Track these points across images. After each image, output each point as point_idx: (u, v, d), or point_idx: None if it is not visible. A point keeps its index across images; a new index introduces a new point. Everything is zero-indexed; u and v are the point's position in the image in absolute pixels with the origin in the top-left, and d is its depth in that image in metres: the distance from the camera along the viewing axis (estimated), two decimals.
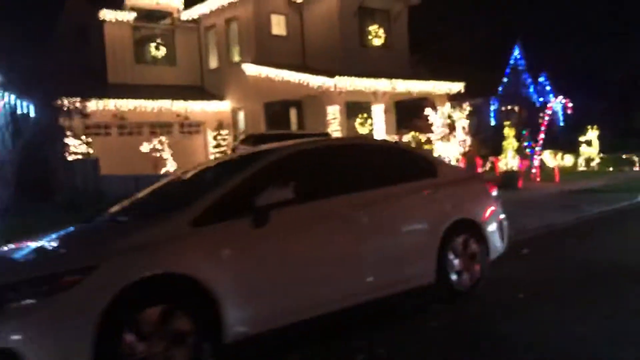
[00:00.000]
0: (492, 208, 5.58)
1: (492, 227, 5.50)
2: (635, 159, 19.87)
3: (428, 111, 17.42)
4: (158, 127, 23.05)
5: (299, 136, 18.17)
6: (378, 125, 21.46)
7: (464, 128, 23.27)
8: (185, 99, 23.21)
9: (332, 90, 19.41)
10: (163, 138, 21.43)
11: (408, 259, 4.85)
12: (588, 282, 5.79)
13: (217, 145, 23.67)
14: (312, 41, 23.36)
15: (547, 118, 17.89)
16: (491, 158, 19.21)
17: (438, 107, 23.36)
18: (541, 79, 33.00)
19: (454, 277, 5.15)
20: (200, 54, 25.36)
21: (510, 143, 19.66)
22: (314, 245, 4.36)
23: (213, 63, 24.93)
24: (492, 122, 28.55)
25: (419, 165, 5.44)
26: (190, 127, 24.07)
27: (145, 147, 20.69)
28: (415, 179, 5.20)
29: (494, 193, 5.73)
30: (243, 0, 22.47)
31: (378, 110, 21.31)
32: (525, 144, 21.64)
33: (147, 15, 24.19)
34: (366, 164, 5.08)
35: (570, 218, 10.12)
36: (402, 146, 5.61)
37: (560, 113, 36.43)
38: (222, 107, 24.26)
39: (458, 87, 23.29)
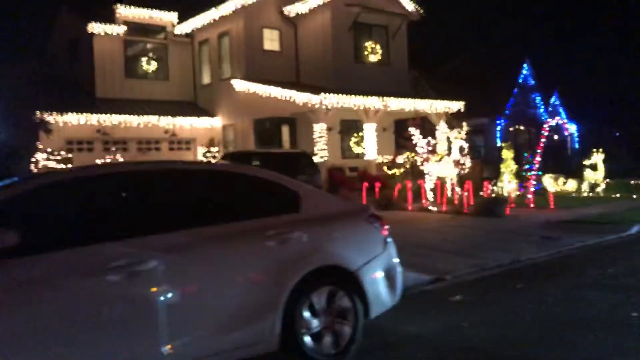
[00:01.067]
0: (378, 251, 4.44)
1: (374, 276, 4.34)
2: None
3: (413, 130, 16.38)
4: (145, 143, 22.40)
5: (277, 155, 17.32)
6: (369, 145, 20.45)
7: (462, 149, 22.17)
8: (174, 114, 22.55)
9: (317, 107, 18.50)
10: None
11: (235, 319, 3.73)
12: (512, 349, 4.69)
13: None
14: (305, 57, 22.57)
15: (543, 140, 16.64)
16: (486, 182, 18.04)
17: (437, 127, 22.36)
18: (553, 99, 31.67)
19: (309, 342, 4.00)
20: (193, 69, 24.76)
21: (507, 166, 18.53)
22: (64, 309, 3.28)
23: (206, 78, 24.30)
24: (499, 143, 27.29)
25: (272, 196, 4.39)
26: (180, 143, 23.36)
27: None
28: (261, 214, 4.13)
29: (383, 232, 4.60)
30: (234, 14, 21.82)
31: (370, 129, 20.31)
32: (527, 167, 20.44)
33: (140, 29, 23.67)
34: (180, 196, 4.04)
35: (543, 254, 8.97)
36: (249, 172, 4.34)
37: (575, 135, 35.00)
38: (213, 123, 23.55)
39: (457, 106, 22.20)
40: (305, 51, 22.57)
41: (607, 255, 8.82)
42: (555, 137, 32.73)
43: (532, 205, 15.52)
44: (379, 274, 4.38)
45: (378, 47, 22.73)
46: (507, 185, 17.94)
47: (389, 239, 4.56)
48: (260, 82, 20.94)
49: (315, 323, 4.09)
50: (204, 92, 24.35)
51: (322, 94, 18.18)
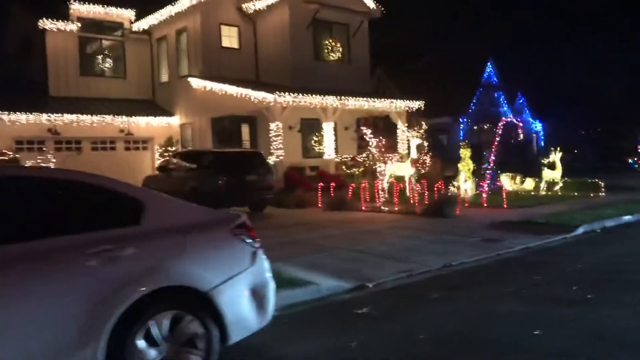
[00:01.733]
0: (242, 267, 3.97)
1: (235, 295, 3.86)
2: (602, 183, 18.43)
3: (365, 130, 16.07)
4: (100, 143, 21.83)
5: (229, 154, 16.89)
6: (328, 144, 20.13)
7: (421, 147, 22.00)
8: (130, 113, 22.02)
9: (272, 105, 18.13)
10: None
11: (43, 353, 3.18)
12: None
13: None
14: (265, 55, 22.20)
15: (497, 138, 16.47)
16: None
17: (398, 126, 22.16)
18: (517, 98, 31.68)
19: None
20: (152, 66, 24.24)
21: (465, 165, 18.33)
22: None
23: (164, 76, 23.79)
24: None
25: (106, 207, 3.84)
26: (137, 143, 22.81)
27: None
28: (86, 228, 3.57)
29: (253, 244, 4.15)
30: (191, 10, 21.35)
31: (328, 128, 19.98)
32: (485, 165, 20.30)
33: (96, 26, 23.07)
34: None
35: (478, 257, 8.71)
36: (76, 178, 3.83)
37: (541, 134, 35.09)
38: (171, 122, 23.07)
39: (417, 104, 21.99)
40: (264, 49, 22.18)
41: (543, 259, 8.58)
42: (521, 135, 32.94)
43: (485, 204, 15.33)
44: (243, 293, 3.92)
45: (338, 45, 22.44)
46: (463, 184, 17.74)
47: (260, 252, 4.18)
48: (218, 80, 20.53)
49: (153, 354, 3.55)
50: (162, 90, 23.83)
51: (277, 92, 17.82)
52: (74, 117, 20.32)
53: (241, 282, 3.91)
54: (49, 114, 19.85)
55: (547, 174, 18.89)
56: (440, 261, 8.39)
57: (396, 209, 14.95)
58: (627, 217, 12.43)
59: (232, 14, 22.08)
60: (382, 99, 21.03)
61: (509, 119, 16.14)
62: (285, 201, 17.44)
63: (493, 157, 16.62)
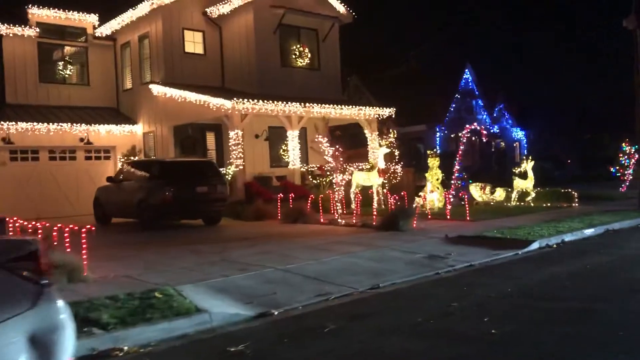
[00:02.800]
0: (17, 309, 3.09)
1: (3, 345, 2.97)
2: (575, 193, 17.71)
3: (320, 139, 15.25)
4: (60, 152, 20.99)
5: (180, 164, 16.11)
6: (293, 153, 19.35)
7: (391, 156, 21.29)
8: (91, 121, 21.21)
9: (230, 113, 17.37)
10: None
11: None
12: None
13: None
14: (230, 60, 21.47)
15: (461, 147, 15.76)
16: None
17: (367, 135, 21.42)
18: (497, 106, 31.01)
19: None
20: (115, 73, 23.44)
21: (433, 175, 17.60)
22: None
23: (128, 83, 23.01)
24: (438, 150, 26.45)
25: None
26: (98, 152, 21.99)
27: None
28: None
29: (31, 281, 3.26)
30: (152, 14, 20.62)
31: (292, 137, 19.21)
32: (456, 175, 19.58)
33: (57, 32, 22.27)
34: None
35: (412, 277, 7.95)
36: None
37: (524, 142, 34.42)
38: (135, 130, 22.26)
39: (387, 112, 21.27)
40: (230, 54, 21.46)
41: (478, 280, 7.80)
42: (502, 144, 32.28)
43: (448, 216, 14.58)
44: (16, 341, 3.07)
45: (307, 50, 21.74)
46: (429, 195, 17.00)
47: (50, 289, 3.39)
48: (181, 87, 19.76)
49: None
50: (126, 98, 23.06)
51: (234, 99, 17.06)
52: (28, 125, 19.48)
53: (16, 327, 3.10)
54: (2, 122, 19.01)
55: (518, 183, 18.16)
56: (368, 282, 7.63)
57: (354, 221, 14.19)
58: (588, 231, 11.71)
59: (197, 18, 21.36)
60: (350, 106, 20.30)
61: (472, 127, 15.39)
62: (244, 213, 16.67)
63: (457, 167, 15.85)
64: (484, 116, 28.93)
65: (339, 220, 14.29)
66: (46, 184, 20.40)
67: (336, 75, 22.82)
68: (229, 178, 18.00)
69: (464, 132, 15.66)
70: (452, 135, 26.84)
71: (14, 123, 19.27)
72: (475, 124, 15.25)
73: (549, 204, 17.72)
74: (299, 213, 15.13)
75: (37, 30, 21.41)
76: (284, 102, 18.16)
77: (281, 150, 21.86)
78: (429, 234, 11.92)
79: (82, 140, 21.04)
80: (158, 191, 14.17)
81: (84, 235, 8.31)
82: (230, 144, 17.86)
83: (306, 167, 20.19)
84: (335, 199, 14.60)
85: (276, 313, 6.25)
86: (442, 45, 28.75)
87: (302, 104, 18.60)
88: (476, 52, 30.10)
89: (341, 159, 14.56)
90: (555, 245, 10.41)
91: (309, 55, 21.82)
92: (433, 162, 17.59)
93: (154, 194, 14.25)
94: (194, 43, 21.45)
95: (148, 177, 14.84)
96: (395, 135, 21.45)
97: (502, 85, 29.67)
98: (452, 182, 16.34)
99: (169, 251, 10.60)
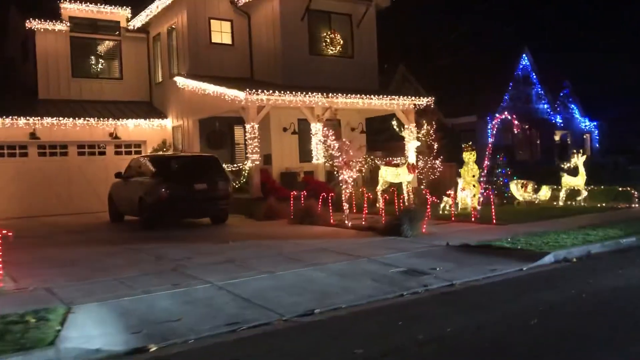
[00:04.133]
0: None
1: None
2: (634, 192, 15.32)
3: (325, 132, 13.76)
4: (88, 147, 20.80)
5: (182, 159, 15.23)
6: (316, 148, 18.06)
7: (432, 150, 19.58)
8: (119, 116, 20.86)
9: (246, 105, 16.32)
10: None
11: None
12: None
13: None
14: (258, 50, 20.42)
15: (491, 139, 13.90)
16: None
17: (405, 126, 19.74)
18: (562, 93, 28.14)
19: None
20: (149, 66, 23.03)
21: (468, 171, 15.79)
22: None
23: (159, 76, 22.51)
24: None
25: None
26: (129, 147, 21.64)
27: None
28: None
29: None
30: (177, 4, 19.93)
31: (316, 130, 17.92)
32: (498, 170, 17.61)
33: (90, 25, 22.09)
34: None
35: (367, 300, 6.51)
36: None
37: (595, 134, 31.31)
38: (165, 124, 21.75)
39: (425, 101, 19.50)
40: (258, 44, 20.42)
41: (442, 310, 6.26)
42: (557, 137, 29.34)
43: (473, 219, 12.83)
44: None
45: (338, 37, 20.33)
46: (461, 193, 15.22)
47: None
48: (204, 78, 18.94)
49: None
50: (157, 91, 22.60)
51: (247, 90, 15.98)
52: (54, 120, 19.33)
53: None
54: (28, 117, 18.95)
55: (567, 180, 15.98)
56: (306, 306, 6.29)
57: (363, 223, 12.77)
58: (628, 240, 9.68)
59: (224, 7, 20.45)
60: (381, 96, 18.70)
61: (502, 116, 13.48)
62: (256, 212, 15.64)
63: (487, 163, 14.00)
64: (544, 105, 26.28)
65: (347, 222, 12.89)
66: (75, 180, 20.24)
67: (373, 64, 21.25)
68: (245, 174, 17.04)
69: (493, 123, 13.75)
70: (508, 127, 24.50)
71: (39, 118, 19.15)
72: (506, 112, 13.32)
73: (603, 204, 15.48)
74: (307, 213, 13.87)
75: (69, 24, 21.30)
76: (304, 93, 16.89)
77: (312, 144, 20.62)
78: (434, 240, 10.32)
79: (111, 135, 20.74)
80: (154, 189, 13.36)
81: None
82: (246, 137, 16.81)
83: (331, 163, 18.80)
84: (343, 199, 13.17)
85: (153, 349, 5.06)
86: (498, 30, 26.39)
87: (325, 94, 17.26)
88: (536, 36, 27.41)
89: (349, 153, 13.08)
90: (575, 260, 8.56)
91: (341, 43, 20.40)
92: (469, 157, 15.76)
93: (151, 192, 13.45)
94: (221, 33, 20.58)
95: (148, 173, 14.06)
96: (433, 127, 19.74)
97: (567, 71, 26.93)
98: (482, 178, 14.48)
99: (132, 257, 9.66)
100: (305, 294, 6.81)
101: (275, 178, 19.38)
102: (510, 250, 8.98)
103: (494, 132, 13.78)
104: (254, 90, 16.05)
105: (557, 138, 28.25)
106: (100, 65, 22.41)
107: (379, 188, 16.82)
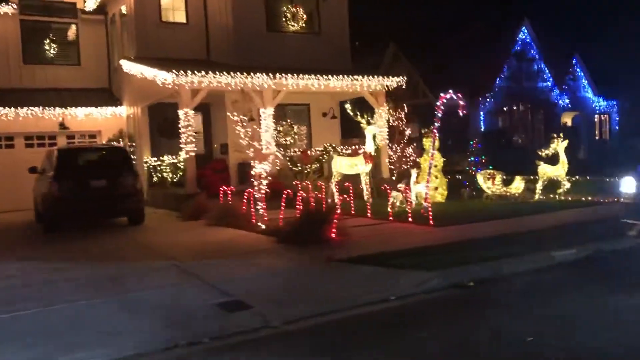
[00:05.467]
0: None
1: None
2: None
3: (235, 117, 11.69)
4: (37, 138, 19.37)
5: (77, 151, 13.54)
6: (264, 135, 16.04)
7: (403, 136, 17.48)
8: (67, 105, 19.33)
9: (179, 89, 14.48)
10: None
11: None
12: None
13: None
14: (214, 28, 18.50)
15: (436, 123, 11.65)
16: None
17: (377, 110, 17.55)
18: (571, 70, 25.16)
19: None
20: (108, 50, 21.39)
21: (428, 160, 13.56)
22: None
23: (116, 61, 20.85)
24: (482, 127, 21.65)
25: None
26: (83, 138, 20.15)
27: None
28: None
29: None
30: None
31: (265, 116, 15.92)
32: (471, 159, 15.33)
33: (44, 7, 20.56)
34: None
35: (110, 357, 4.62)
36: None
37: (614, 114, 28.24)
38: (121, 112, 20.15)
39: (395, 81, 17.23)
40: (213, 21, 18.50)
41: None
42: (567, 119, 26.36)
43: (410, 219, 10.67)
44: None
45: (301, 11, 18.22)
46: (415, 187, 13.02)
47: None
48: (153, 61, 17.13)
49: None
50: (115, 77, 20.95)
51: (174, 71, 14.12)
52: None
53: None
54: None
55: (544, 170, 13.54)
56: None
57: (281, 224, 10.77)
58: (564, 254, 7.39)
59: None
60: (343, 77, 16.49)
61: (447, 95, 11.17)
62: (184, 210, 13.83)
63: (433, 151, 11.79)
64: (547, 84, 23.38)
65: (260, 224, 10.92)
66: (21, 174, 18.79)
67: (343, 41, 19.06)
68: (182, 167, 15.26)
69: (438, 104, 11.44)
70: (504, 109, 21.91)
71: None
72: (450, 91, 11.03)
73: (589, 198, 13.03)
74: (225, 214, 11.98)
75: (18, 6, 19.82)
76: (245, 74, 14.92)
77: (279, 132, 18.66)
78: (335, 250, 8.28)
79: (61, 125, 19.25)
80: (48, 187, 11.69)
81: None
82: (180, 125, 14.94)
83: (282, 153, 16.79)
84: (256, 196, 11.16)
85: None
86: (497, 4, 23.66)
87: (272, 75, 15.23)
88: (538, 6, 24.54)
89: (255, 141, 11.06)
90: (472, 284, 6.37)
91: (304, 18, 18.29)
92: (430, 144, 13.53)
93: (45, 191, 11.79)
94: (173, 11, 18.73)
95: (50, 169, 12.39)
96: (405, 110, 17.57)
97: (577, 44, 23.94)
98: (429, 170, 12.27)
99: None
100: (40, 345, 4.90)
101: (232, 169, 17.57)
102: (398, 269, 6.85)
103: (439, 114, 11.47)
104: (182, 72, 14.17)
105: (567, 120, 25.42)
106: (55, 51, 20.86)
107: (332, 180, 14.81)
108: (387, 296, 5.90)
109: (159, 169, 17.24)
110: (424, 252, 7.77)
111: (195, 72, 14.31)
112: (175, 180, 16.09)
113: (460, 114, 10.81)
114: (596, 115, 26.91)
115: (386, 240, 8.91)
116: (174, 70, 14.08)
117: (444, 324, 5.16)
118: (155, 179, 17.54)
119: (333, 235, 9.20)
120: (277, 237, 9.59)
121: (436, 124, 11.68)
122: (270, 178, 11.57)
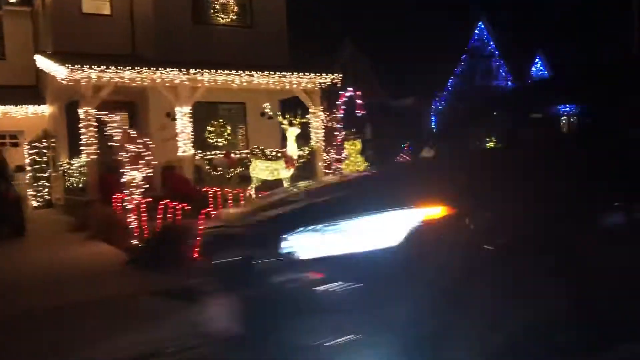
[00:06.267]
0: None
1: None
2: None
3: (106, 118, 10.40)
4: None
5: None
6: (182, 136, 14.69)
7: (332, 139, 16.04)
8: None
9: (82, 85, 13.12)
10: None
11: None
12: None
13: (35, 162, 18.11)
14: (138, 20, 17.15)
15: (336, 124, 10.29)
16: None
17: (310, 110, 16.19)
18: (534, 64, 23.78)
19: None
20: (35, 44, 19.99)
21: (350, 165, 12.24)
22: None
23: None
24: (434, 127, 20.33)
25: None
26: (3, 139, 18.79)
27: None
28: None
29: None
30: None
31: (182, 114, 14.55)
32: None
33: None
34: None
35: None
36: None
37: (576, 112, 26.87)
38: (44, 111, 18.79)
39: (328, 78, 15.85)
40: (137, 13, 17.14)
41: None
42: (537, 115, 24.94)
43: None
44: None
45: (232, 2, 16.88)
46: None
47: None
48: (69, 56, 15.74)
49: None
50: (41, 74, 19.51)
51: (68, 65, 12.75)
52: None
53: None
54: None
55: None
56: None
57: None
58: None
59: None
60: (269, 73, 15.13)
61: (348, 93, 9.83)
62: (78, 219, 12.48)
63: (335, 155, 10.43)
64: (508, 82, 22.05)
65: (132, 240, 9.54)
66: None
67: (278, 35, 17.69)
68: (84, 171, 13.88)
69: (339, 103, 10.08)
70: (455, 108, 20.55)
71: None
72: (350, 89, 9.70)
73: None
74: (106, 226, 10.61)
75: None
76: (153, 69, 13.56)
77: (207, 132, 17.33)
78: (186, 274, 6.89)
79: None
80: None
81: None
82: (80, 126, 13.55)
83: (202, 155, 15.42)
84: (129, 206, 9.78)
85: None
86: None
87: (184, 70, 13.87)
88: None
89: (132, 144, 9.70)
90: None
91: (235, 10, 16.94)
92: (351, 149, 12.22)
93: None
94: (96, 1, 17.34)
95: None
96: (338, 109, 16.19)
97: (540, 42, 22.59)
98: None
99: None
100: None
101: (157, 173, 16.20)
102: None
103: (341, 113, 10.13)
104: (77, 66, 12.79)
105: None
106: None
107: (251, 186, 13.45)
108: None
109: (69, 172, 15.89)
110: None
111: (94, 66, 12.92)
112: (81, 186, 14.75)
113: (359, 114, 9.45)
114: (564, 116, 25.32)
115: None
116: (68, 65, 12.70)
117: None
118: (67, 183, 16.17)
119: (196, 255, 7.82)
120: (131, 257, 8.23)
121: (339, 126, 10.33)
122: (148, 185, 10.18)
